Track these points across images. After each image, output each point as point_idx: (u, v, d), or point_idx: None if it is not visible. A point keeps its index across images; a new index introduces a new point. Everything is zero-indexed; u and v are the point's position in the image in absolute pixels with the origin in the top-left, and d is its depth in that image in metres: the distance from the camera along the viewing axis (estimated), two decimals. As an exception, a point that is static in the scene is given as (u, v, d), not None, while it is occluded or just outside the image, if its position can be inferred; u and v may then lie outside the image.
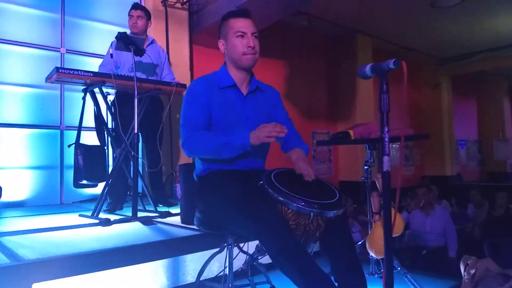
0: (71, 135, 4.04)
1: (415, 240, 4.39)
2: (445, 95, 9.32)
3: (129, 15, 3.43)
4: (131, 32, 3.41)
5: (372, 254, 1.91)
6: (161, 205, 3.28)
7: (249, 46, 1.80)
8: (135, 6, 3.47)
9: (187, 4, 4.92)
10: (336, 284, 1.57)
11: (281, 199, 1.50)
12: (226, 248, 1.81)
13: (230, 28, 1.84)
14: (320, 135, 6.75)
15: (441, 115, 9.21)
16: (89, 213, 2.76)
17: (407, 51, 7.81)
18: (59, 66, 4.03)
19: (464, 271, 1.72)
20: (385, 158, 1.21)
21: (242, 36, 1.82)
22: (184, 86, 3.12)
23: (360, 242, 2.07)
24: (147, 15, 3.47)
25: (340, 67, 7.09)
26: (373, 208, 1.91)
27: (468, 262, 1.70)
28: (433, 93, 9.24)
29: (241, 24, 1.83)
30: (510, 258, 1.94)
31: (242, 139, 1.68)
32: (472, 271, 1.66)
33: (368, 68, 1.33)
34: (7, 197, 3.46)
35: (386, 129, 1.22)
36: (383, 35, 7.05)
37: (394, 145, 8.25)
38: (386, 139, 1.22)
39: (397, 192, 1.25)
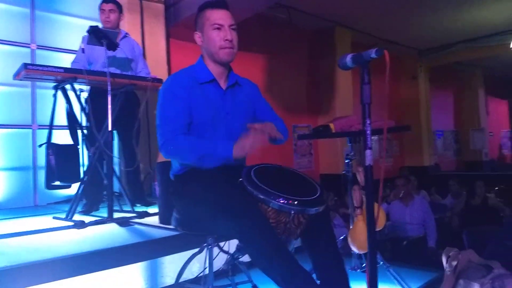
0: (44, 135, 3.89)
1: (395, 231, 4.43)
2: (423, 86, 9.45)
3: (100, 9, 3.28)
4: (103, 27, 3.28)
5: (354, 249, 1.89)
6: (139, 205, 3.20)
7: (226, 39, 1.72)
8: (107, 0, 3.33)
9: (163, -4, 4.80)
10: (318, 282, 1.55)
11: (261, 197, 1.46)
12: (206, 249, 1.75)
13: (207, 19, 1.76)
14: (301, 128, 6.74)
15: (419, 107, 9.34)
16: (64, 215, 2.67)
17: (386, 44, 7.83)
18: (30, 62, 3.90)
19: (446, 263, 1.72)
20: (368, 152, 1.17)
21: (219, 28, 1.73)
22: (160, 81, 3.03)
23: (342, 237, 2.05)
24: (119, 8, 3.35)
25: (320, 61, 7.08)
26: (354, 202, 1.89)
27: (450, 254, 1.69)
28: (411, 85, 9.35)
29: (218, 16, 1.74)
30: (489, 247, 1.96)
31: (225, 152, 1.60)
32: (454, 263, 1.66)
33: (349, 59, 1.29)
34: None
35: (368, 122, 1.18)
36: (362, 28, 7.05)
37: (374, 137, 8.31)
38: (368, 132, 1.17)
39: (380, 185, 1.22)
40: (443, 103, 10.79)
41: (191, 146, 1.66)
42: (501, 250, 1.74)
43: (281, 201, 1.45)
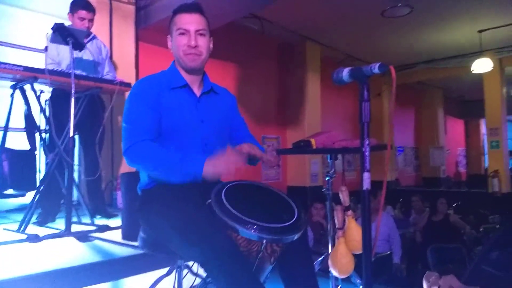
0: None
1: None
2: (386, 104, 9.69)
3: (80, 18, 3.05)
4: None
5: (335, 273, 1.80)
6: (99, 216, 3.00)
7: (189, 45, 1.62)
8: (88, 7, 3.10)
9: (134, -2, 4.62)
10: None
11: (230, 223, 1.29)
12: (175, 271, 1.61)
13: (174, 24, 1.66)
14: (270, 139, 6.69)
15: (382, 123, 9.56)
16: (16, 226, 2.43)
17: (353, 60, 7.98)
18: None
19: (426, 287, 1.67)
20: (365, 175, 1.09)
21: (184, 33, 1.63)
22: (128, 85, 2.87)
23: (320, 258, 1.97)
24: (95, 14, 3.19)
25: (290, 73, 7.09)
26: (336, 223, 1.80)
27: (431, 279, 1.65)
28: (375, 102, 9.56)
29: (185, 20, 1.64)
30: (468, 272, 1.94)
31: (194, 167, 1.46)
32: (435, 289, 1.62)
33: (345, 73, 1.19)
34: None
35: (367, 142, 1.09)
36: (331, 44, 7.14)
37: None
38: (367, 153, 1.09)
39: (381, 202, 1.14)
40: (405, 121, 11.12)
41: (158, 154, 1.51)
42: (481, 275, 1.72)
43: (252, 229, 1.28)
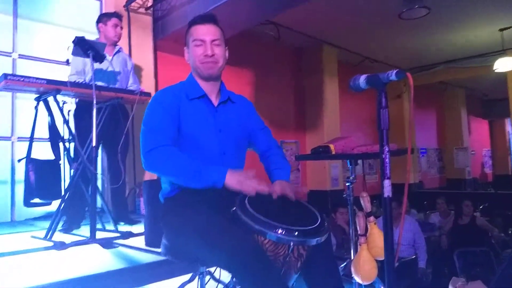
0: (23, 147, 3.71)
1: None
2: (407, 105, 9.55)
3: (113, 25, 3.28)
4: (113, 41, 3.28)
5: (357, 279, 1.78)
6: (122, 223, 3.05)
7: (206, 55, 1.66)
8: (119, 16, 3.36)
9: (151, 9, 4.71)
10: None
11: (257, 227, 1.31)
12: (197, 277, 1.63)
13: (190, 35, 1.71)
14: (288, 144, 6.68)
15: (404, 125, 9.42)
16: (43, 233, 2.50)
17: (371, 62, 7.91)
18: (11, 72, 3.74)
19: (453, 294, 1.63)
20: (386, 182, 1.07)
21: (200, 44, 1.67)
22: (148, 94, 2.92)
23: (343, 264, 1.95)
24: None
25: (307, 77, 7.08)
26: (358, 230, 1.78)
27: (457, 286, 1.61)
28: (395, 104, 9.44)
29: (201, 32, 1.68)
30: (495, 277, 1.89)
31: (217, 176, 1.47)
32: (461, 294, 1.58)
33: (362, 80, 1.18)
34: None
35: (387, 150, 1.08)
36: (348, 47, 7.09)
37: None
38: (387, 160, 1.07)
39: (403, 208, 1.12)
40: (427, 122, 10.93)
41: (180, 160, 1.52)
42: (508, 280, 1.66)
43: (280, 232, 1.30)
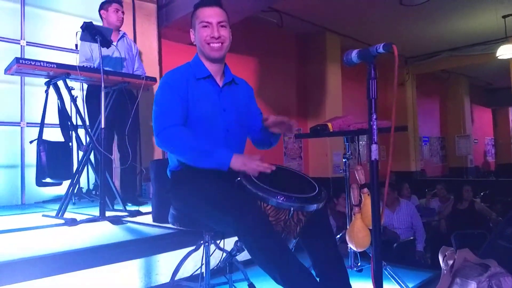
0: (32, 132, 3.83)
1: (385, 234, 4.46)
2: (410, 93, 9.58)
3: (115, 10, 3.36)
4: (115, 26, 3.36)
5: (352, 247, 1.89)
6: (130, 204, 3.16)
7: (212, 36, 1.75)
8: (120, 1, 3.44)
9: (156, -3, 4.78)
10: (318, 279, 1.54)
11: (260, 194, 1.44)
12: (202, 246, 1.74)
13: (197, 17, 1.79)
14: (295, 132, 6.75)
15: (406, 113, 9.46)
16: (53, 214, 2.61)
17: (374, 50, 7.94)
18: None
19: (442, 262, 1.73)
20: (373, 147, 1.17)
21: (207, 26, 1.76)
22: (154, 79, 3.02)
23: (338, 236, 2.05)
24: None
25: (309, 64, 7.13)
26: (352, 201, 1.89)
27: (446, 253, 1.71)
28: (398, 91, 9.47)
29: (207, 13, 1.77)
30: (483, 246, 1.99)
31: (223, 159, 1.58)
32: (450, 262, 1.67)
33: (354, 54, 1.29)
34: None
35: (375, 117, 1.18)
36: (351, 34, 7.13)
37: (362, 142, 8.40)
38: (374, 126, 1.18)
39: (385, 186, 1.22)
40: (429, 110, 10.95)
41: (189, 141, 1.64)
42: (496, 250, 1.76)
43: (280, 198, 1.43)
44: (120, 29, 3.50)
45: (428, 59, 8.99)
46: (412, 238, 4.36)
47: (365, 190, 1.86)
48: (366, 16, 6.32)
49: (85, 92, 3.11)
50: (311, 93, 7.11)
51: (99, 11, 3.44)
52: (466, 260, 1.67)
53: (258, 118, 1.96)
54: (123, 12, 3.44)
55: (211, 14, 1.76)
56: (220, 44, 1.77)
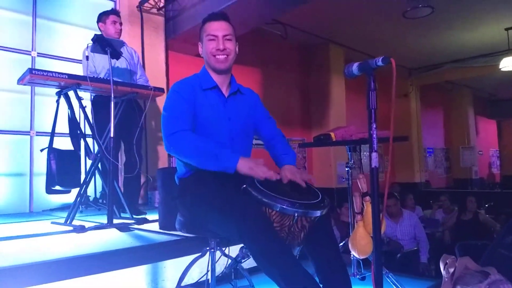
0: (41, 142, 3.91)
1: (389, 245, 4.46)
2: (414, 104, 9.63)
3: (112, 22, 3.37)
4: (112, 38, 3.38)
5: (354, 254, 1.92)
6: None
7: (218, 49, 1.83)
8: (117, 12, 3.47)
9: (163, 10, 4.88)
10: (321, 285, 1.57)
11: (265, 200, 1.49)
12: (208, 252, 1.78)
13: (204, 31, 1.88)
14: (295, 142, 6.81)
15: (410, 124, 9.49)
16: (61, 221, 2.67)
17: (377, 61, 8.01)
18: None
19: (443, 270, 1.76)
20: (374, 155, 1.22)
21: (213, 39, 1.84)
22: (162, 90, 3.09)
23: (341, 244, 2.09)
24: None
25: (313, 76, 7.21)
26: (355, 208, 1.93)
27: (447, 261, 1.74)
28: (402, 102, 9.52)
29: (214, 27, 1.86)
30: (484, 255, 2.02)
31: (230, 162, 1.64)
32: (451, 270, 1.70)
33: (355, 67, 1.35)
34: (-29, 206, 3.29)
35: (374, 126, 1.23)
36: (354, 46, 7.21)
37: (365, 153, 8.43)
38: (374, 135, 1.23)
39: (385, 196, 1.27)
40: (434, 121, 10.98)
41: (197, 143, 1.71)
42: (496, 258, 1.79)
43: (285, 204, 1.48)
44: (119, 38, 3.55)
45: (431, 70, 9.06)
46: (415, 248, 4.36)
47: (367, 198, 1.91)
48: (370, 28, 6.40)
49: (91, 102, 3.16)
50: (315, 104, 7.18)
51: (97, 23, 3.45)
52: (466, 268, 1.70)
53: (267, 122, 2.04)
54: (121, 24, 3.45)
55: (217, 28, 1.85)
56: (225, 56, 1.85)
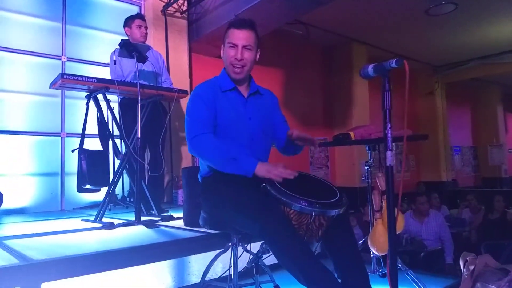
0: (71, 143, 4.08)
1: (413, 244, 4.43)
2: (440, 102, 9.44)
3: (137, 26, 3.46)
4: (139, 41, 3.47)
5: (374, 251, 1.95)
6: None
7: (235, 58, 1.89)
8: (142, 16, 3.57)
9: (186, 13, 5.00)
10: (340, 281, 1.62)
11: (284, 199, 1.55)
12: (230, 248, 1.85)
13: (227, 37, 1.94)
14: (319, 141, 6.81)
15: (436, 122, 9.32)
16: (91, 218, 2.79)
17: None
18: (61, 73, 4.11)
19: (463, 267, 1.77)
20: (388, 153, 1.26)
21: (233, 47, 1.90)
22: (185, 92, 3.18)
23: (360, 242, 2.12)
24: None
25: (336, 76, 7.20)
26: (374, 206, 1.96)
27: (467, 258, 1.75)
28: (427, 100, 9.36)
29: (235, 36, 1.91)
30: (505, 252, 2.00)
31: (248, 166, 1.70)
32: (471, 267, 1.71)
33: (370, 68, 1.39)
34: (8, 204, 3.46)
35: (389, 126, 1.27)
36: (378, 44, 7.15)
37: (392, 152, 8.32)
38: (389, 135, 1.27)
39: (399, 194, 1.30)
40: (461, 119, 10.73)
41: (217, 147, 1.79)
42: (517, 255, 1.78)
43: (303, 203, 1.53)
44: (145, 42, 3.66)
45: (457, 67, 8.86)
46: (439, 248, 4.32)
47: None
48: (392, 26, 6.34)
49: (118, 105, 3.27)
50: (337, 103, 7.17)
51: (124, 28, 3.55)
52: (487, 265, 1.71)
53: (283, 126, 2.08)
54: (146, 27, 3.53)
55: (239, 37, 1.90)
56: (241, 67, 1.91)
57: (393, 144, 1.31)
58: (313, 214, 1.54)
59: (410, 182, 8.86)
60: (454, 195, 7.82)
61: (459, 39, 7.10)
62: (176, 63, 4.84)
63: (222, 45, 2.00)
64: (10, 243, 2.13)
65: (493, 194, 5.60)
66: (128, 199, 3.92)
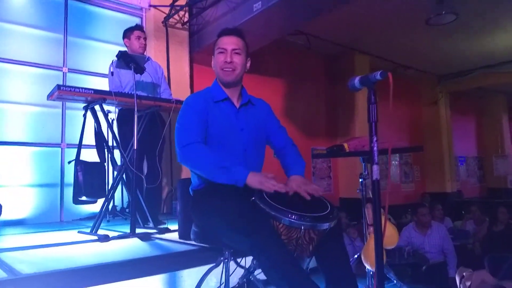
0: (72, 153, 4.08)
1: (415, 257, 4.37)
2: (444, 112, 9.38)
3: (136, 37, 3.45)
4: (137, 52, 3.48)
5: (367, 266, 1.91)
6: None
7: (225, 61, 1.88)
8: (141, 28, 3.57)
9: (187, 24, 5.03)
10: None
11: (272, 213, 1.50)
12: (222, 263, 1.82)
13: (216, 45, 1.95)
14: (319, 151, 6.78)
15: (440, 132, 9.25)
16: (88, 230, 2.78)
17: (404, 69, 7.90)
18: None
19: (460, 283, 1.73)
20: (374, 167, 1.24)
21: (222, 52, 1.90)
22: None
23: (356, 256, 2.08)
24: None
25: (338, 85, 7.18)
26: (367, 220, 1.92)
27: (464, 274, 1.70)
28: (431, 110, 9.31)
29: (224, 41, 1.92)
30: (503, 268, 1.96)
31: (239, 175, 1.68)
32: (468, 283, 1.67)
33: (357, 81, 1.38)
34: (7, 215, 3.46)
35: (375, 139, 1.25)
36: (380, 53, 7.15)
37: (394, 162, 8.26)
38: (375, 148, 1.24)
39: (385, 206, 1.27)
40: (465, 129, 10.66)
41: (208, 156, 1.76)
42: (515, 271, 1.73)
43: (292, 217, 1.49)
44: (144, 53, 3.67)
45: (462, 76, 8.82)
46: (442, 260, 4.24)
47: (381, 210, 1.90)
48: (394, 36, 6.34)
49: (116, 115, 3.28)
50: (340, 113, 7.15)
51: (123, 39, 3.55)
52: (483, 282, 1.67)
53: (278, 131, 2.06)
54: (145, 38, 3.53)
55: (227, 42, 1.91)
56: (231, 69, 1.90)
57: (391, 162, 1.28)
58: (303, 228, 1.49)
59: (415, 193, 8.77)
60: (459, 206, 7.72)
61: (462, 49, 7.08)
62: (177, 74, 4.86)
63: (212, 57, 1.99)
64: (2, 256, 2.12)
65: (497, 205, 5.51)
66: (127, 210, 3.90)
